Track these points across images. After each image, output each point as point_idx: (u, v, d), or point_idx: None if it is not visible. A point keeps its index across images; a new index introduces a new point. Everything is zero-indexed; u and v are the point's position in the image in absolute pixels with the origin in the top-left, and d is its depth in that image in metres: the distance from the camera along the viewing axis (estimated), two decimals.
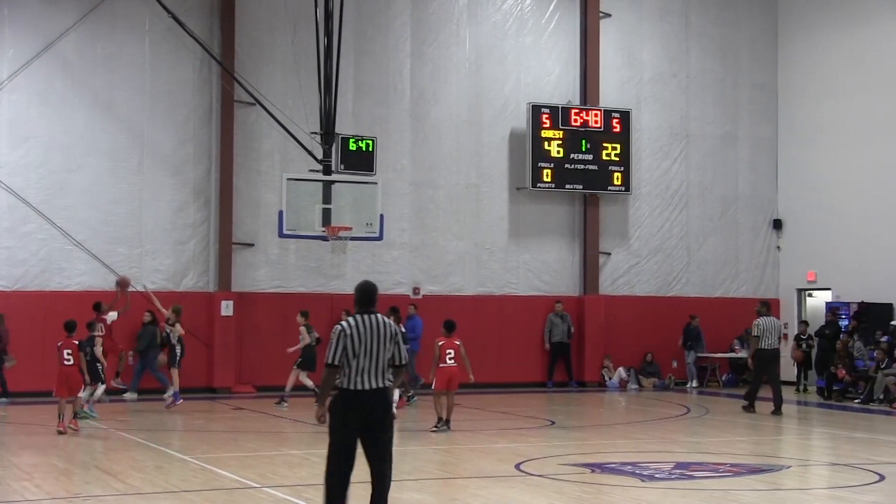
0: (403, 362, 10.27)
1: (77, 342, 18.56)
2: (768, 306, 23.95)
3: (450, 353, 19.07)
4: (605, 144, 29.38)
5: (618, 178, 29.50)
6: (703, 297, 30.65)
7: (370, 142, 25.22)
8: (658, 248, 30.54)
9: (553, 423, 21.28)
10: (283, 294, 26.96)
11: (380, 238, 24.31)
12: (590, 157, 29.24)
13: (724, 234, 31.23)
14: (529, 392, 27.96)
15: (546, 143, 28.90)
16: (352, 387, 9.92)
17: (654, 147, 30.64)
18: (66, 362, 18.25)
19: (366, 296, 10.34)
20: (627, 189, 29.66)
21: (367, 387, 9.92)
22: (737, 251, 31.31)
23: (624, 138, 29.58)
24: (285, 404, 22.75)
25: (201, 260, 26.67)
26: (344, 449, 9.96)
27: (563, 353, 29.26)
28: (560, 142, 28.99)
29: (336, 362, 9.92)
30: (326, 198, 23.31)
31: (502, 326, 28.59)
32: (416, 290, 28.15)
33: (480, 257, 28.93)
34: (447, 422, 19.15)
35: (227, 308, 26.21)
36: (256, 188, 27.01)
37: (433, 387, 19.26)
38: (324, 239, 23.77)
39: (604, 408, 25.13)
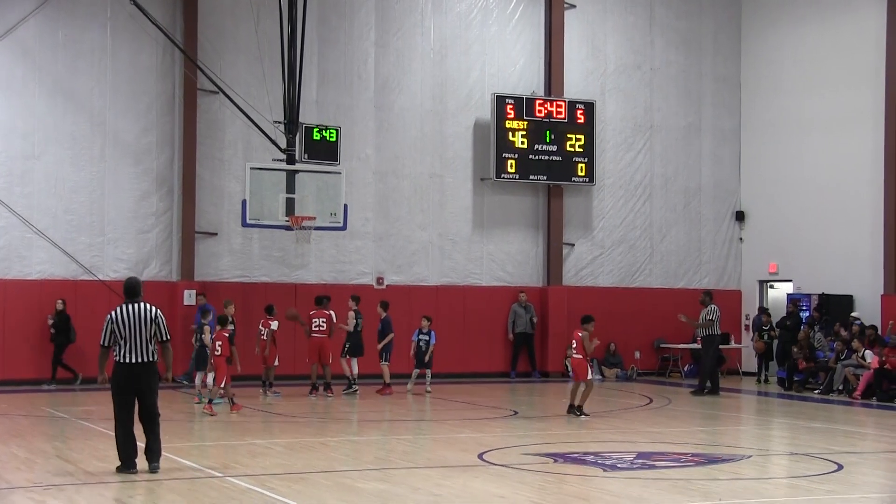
0: (166, 339, 13.21)
1: (228, 334, 20.07)
2: (712, 296, 25.49)
3: (316, 323, 22.27)
4: (569, 135, 29.45)
5: (582, 170, 29.59)
6: (666, 287, 30.83)
7: (334, 131, 25.18)
8: (621, 240, 30.66)
9: (516, 413, 21.36)
10: (247, 284, 26.91)
11: (344, 228, 24.36)
12: (554, 147, 29.31)
13: (687, 226, 31.38)
14: (493, 382, 28.02)
15: (510, 134, 28.95)
16: (123, 360, 12.99)
17: (618, 138, 30.74)
18: (216, 353, 19.97)
19: (130, 289, 13.29)
20: (591, 180, 29.76)
21: (135, 360, 13.00)
22: (700, 242, 31.47)
23: (588, 129, 29.67)
24: (355, 387, 23.59)
25: (164, 249, 26.59)
26: (124, 408, 13.10)
27: (527, 344, 29.36)
28: (524, 132, 29.04)
29: (107, 343, 13.07)
30: (290, 187, 23.35)
31: (466, 317, 28.67)
32: (379, 280, 28.16)
33: (444, 248, 28.97)
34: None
35: (189, 297, 26.14)
36: (220, 177, 26.93)
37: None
38: (287, 228, 23.77)
39: (566, 398, 25.20)
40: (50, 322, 24.95)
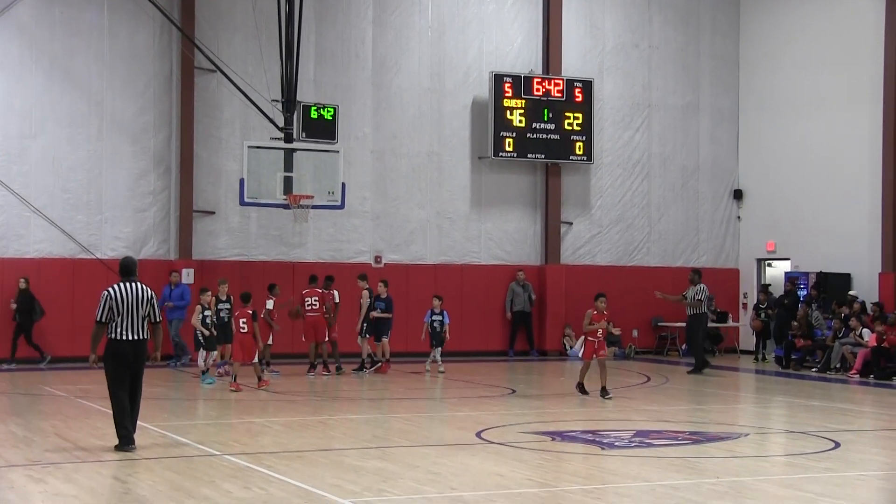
0: (158, 320, 13.53)
1: (251, 311, 20.43)
2: (700, 274, 25.37)
3: (309, 302, 22.77)
4: (567, 114, 29.39)
5: (580, 148, 29.54)
6: (663, 266, 30.80)
7: (332, 109, 25.12)
8: (619, 218, 30.63)
9: (514, 391, 21.37)
10: (244, 262, 26.88)
11: (341, 206, 24.32)
12: (552, 126, 29.26)
13: (685, 204, 31.35)
14: (491, 361, 28.04)
15: (508, 113, 28.89)
16: (120, 337, 13.25)
17: (616, 117, 30.68)
18: (241, 330, 20.30)
19: (126, 268, 13.59)
20: (589, 159, 29.72)
21: (132, 337, 13.27)
22: (697, 221, 31.44)
23: (586, 108, 29.60)
24: (366, 369, 23.73)
25: (162, 228, 26.55)
26: (122, 385, 13.32)
27: (525, 323, 29.36)
28: (522, 111, 28.98)
29: (104, 319, 13.26)
30: (288, 166, 23.31)
31: (464, 295, 28.64)
32: (377, 259, 28.13)
33: (442, 226, 28.94)
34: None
35: (187, 276, 26.11)
36: (217, 156, 26.88)
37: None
38: (285, 207, 23.75)
39: (564, 377, 25.25)
40: (13, 305, 24.71)
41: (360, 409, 19.04)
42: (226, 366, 22.08)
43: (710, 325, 28.99)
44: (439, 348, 24.19)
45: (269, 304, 22.94)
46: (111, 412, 13.46)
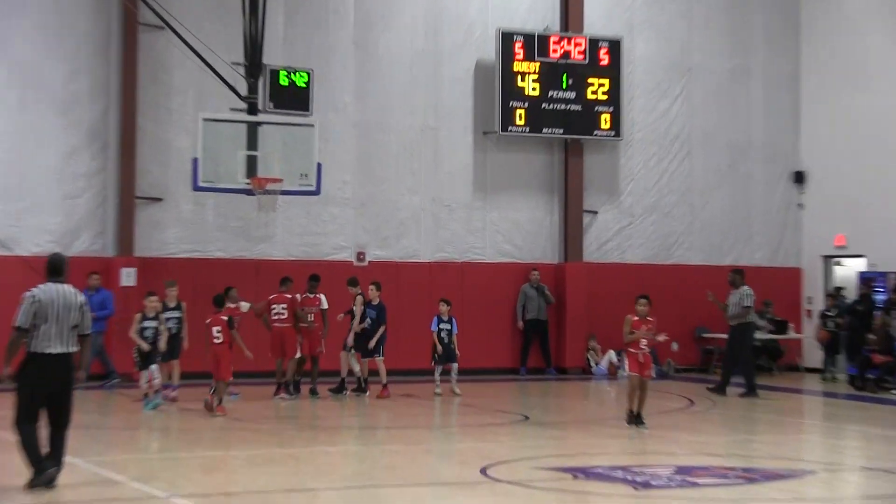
0: (88, 332, 13.44)
1: (227, 318, 20.81)
2: (743, 275, 25.20)
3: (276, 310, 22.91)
4: (590, 80, 29.39)
5: (606, 121, 29.51)
6: (708, 264, 30.71)
7: (305, 75, 25.14)
8: (654, 206, 30.61)
9: (527, 417, 21.32)
10: (199, 260, 26.82)
11: (317, 192, 24.25)
12: (572, 95, 29.24)
13: (734, 190, 31.36)
14: (498, 380, 28.02)
15: (519, 79, 28.85)
16: (41, 350, 13.04)
17: (650, 83, 30.68)
18: (215, 340, 20.61)
19: (54, 267, 13.50)
20: (617, 134, 29.67)
21: (56, 351, 13.07)
22: (749, 210, 31.42)
23: (613, 73, 29.58)
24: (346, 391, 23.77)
25: (97, 218, 26.45)
26: (34, 406, 13.10)
27: (540, 333, 29.30)
28: (536, 77, 28.96)
29: (25, 325, 13.03)
30: (252, 143, 23.30)
31: (465, 300, 28.48)
32: (360, 256, 28.06)
33: (439, 216, 28.89)
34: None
35: (128, 277, 26.02)
36: (165, 130, 26.82)
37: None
38: (249, 193, 23.68)
39: (589, 399, 25.16)
40: None
41: (339, 439, 19.00)
42: (170, 389, 21.86)
43: (767, 336, 28.83)
44: (454, 364, 24.00)
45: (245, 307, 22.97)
46: (18, 442, 13.20)
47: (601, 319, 29.40)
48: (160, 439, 18.34)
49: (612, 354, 29.16)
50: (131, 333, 21.42)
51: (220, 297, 21.22)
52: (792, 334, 30.64)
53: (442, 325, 24.15)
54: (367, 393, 23.56)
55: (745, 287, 24.77)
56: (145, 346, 21.20)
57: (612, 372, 28.99)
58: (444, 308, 24.25)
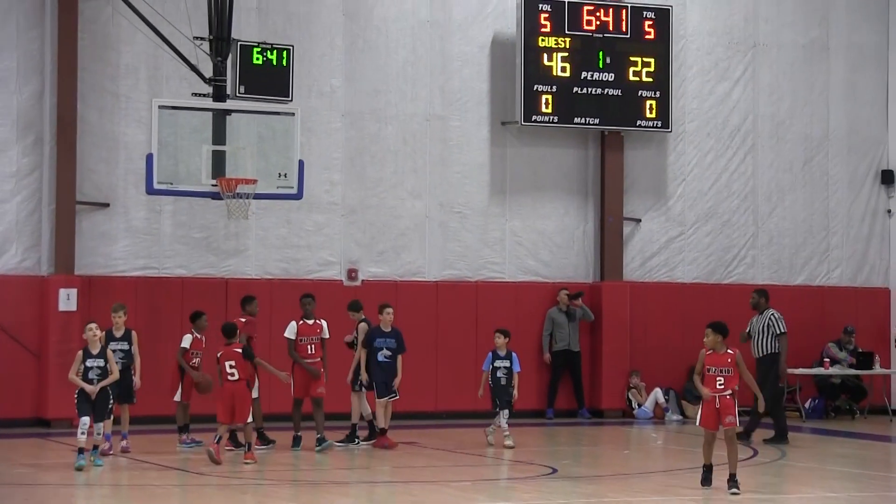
0: None
1: (240, 350, 21.23)
2: (768, 297, 25.10)
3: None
4: (633, 59, 29.51)
5: (651, 109, 29.59)
6: (777, 284, 30.65)
7: (284, 52, 25.14)
8: (711, 213, 30.66)
9: (555, 470, 21.27)
10: (154, 279, 26.87)
11: (298, 196, 24.31)
12: (610, 77, 29.35)
13: (809, 193, 31.40)
14: (521, 424, 27.88)
15: (546, 57, 28.94)
16: None
17: (706, 63, 30.76)
18: (230, 377, 21.02)
19: None
20: (666, 125, 29.75)
21: None
22: (827, 218, 31.44)
23: (661, 50, 29.69)
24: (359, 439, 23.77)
25: (28, 227, 26.51)
26: None
27: (571, 368, 29.37)
28: (566, 54, 29.06)
29: None
30: (219, 136, 23.38)
31: (479, 327, 28.52)
32: (351, 274, 28.09)
33: (448, 225, 28.95)
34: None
35: (67, 300, 26.03)
36: (113, 120, 26.91)
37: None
38: (215, 197, 23.73)
39: (630, 449, 25.13)
40: None
41: (326, 498, 18.88)
42: (119, 438, 21.83)
43: (848, 371, 28.80)
44: (507, 410, 23.79)
45: (186, 342, 22.78)
46: None
47: (645, 351, 29.43)
48: (105, 498, 18.27)
49: (658, 393, 29.17)
50: (71, 376, 20.80)
51: (230, 326, 21.35)
52: (878, 369, 30.53)
53: (499, 363, 23.81)
54: (360, 441, 23.49)
55: (772, 310, 24.65)
56: (90, 389, 20.43)
57: (659, 415, 28.99)
58: (500, 341, 23.80)
